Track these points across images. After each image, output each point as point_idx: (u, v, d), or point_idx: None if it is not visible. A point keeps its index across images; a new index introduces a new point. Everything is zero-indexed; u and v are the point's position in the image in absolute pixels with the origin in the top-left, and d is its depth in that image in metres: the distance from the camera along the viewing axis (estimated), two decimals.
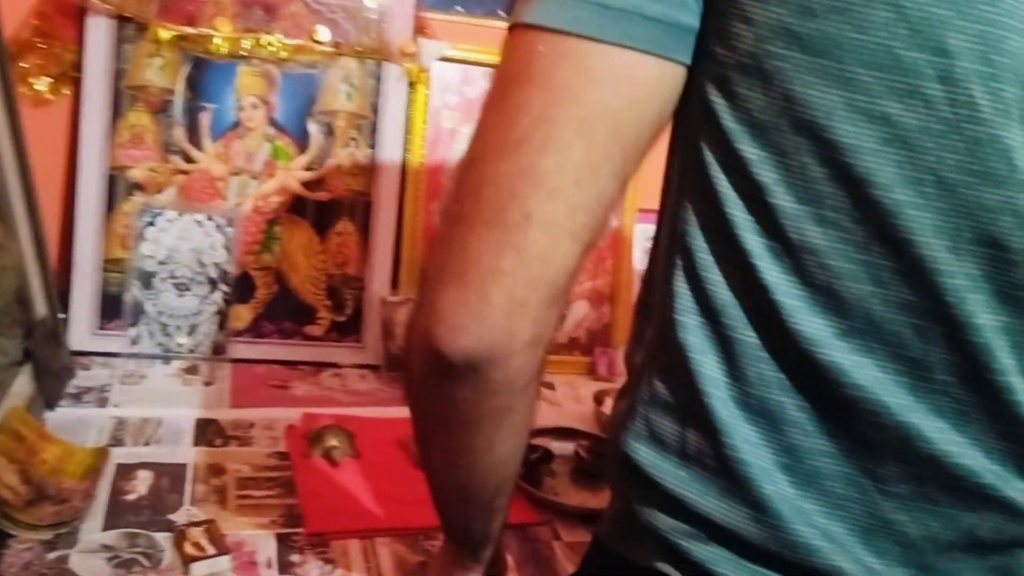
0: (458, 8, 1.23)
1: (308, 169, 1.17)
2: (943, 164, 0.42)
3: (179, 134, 1.13)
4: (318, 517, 0.80)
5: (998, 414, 0.45)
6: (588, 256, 0.46)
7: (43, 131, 1.06)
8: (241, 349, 1.14)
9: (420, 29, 1.20)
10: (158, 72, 1.11)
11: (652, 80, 0.43)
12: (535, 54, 0.42)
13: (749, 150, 0.44)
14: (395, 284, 1.20)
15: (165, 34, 1.09)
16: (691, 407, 0.48)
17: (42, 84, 1.09)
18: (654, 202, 1.18)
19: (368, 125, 1.18)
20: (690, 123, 0.46)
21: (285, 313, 1.17)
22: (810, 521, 0.46)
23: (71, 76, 1.10)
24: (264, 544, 0.77)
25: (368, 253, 1.19)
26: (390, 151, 1.19)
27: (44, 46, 1.08)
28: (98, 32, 1.08)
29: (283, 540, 0.78)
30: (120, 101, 1.10)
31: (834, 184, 0.43)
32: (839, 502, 0.46)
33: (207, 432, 0.96)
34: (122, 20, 1.09)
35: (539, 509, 0.86)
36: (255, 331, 1.16)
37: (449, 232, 0.44)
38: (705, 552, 0.48)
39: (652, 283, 0.51)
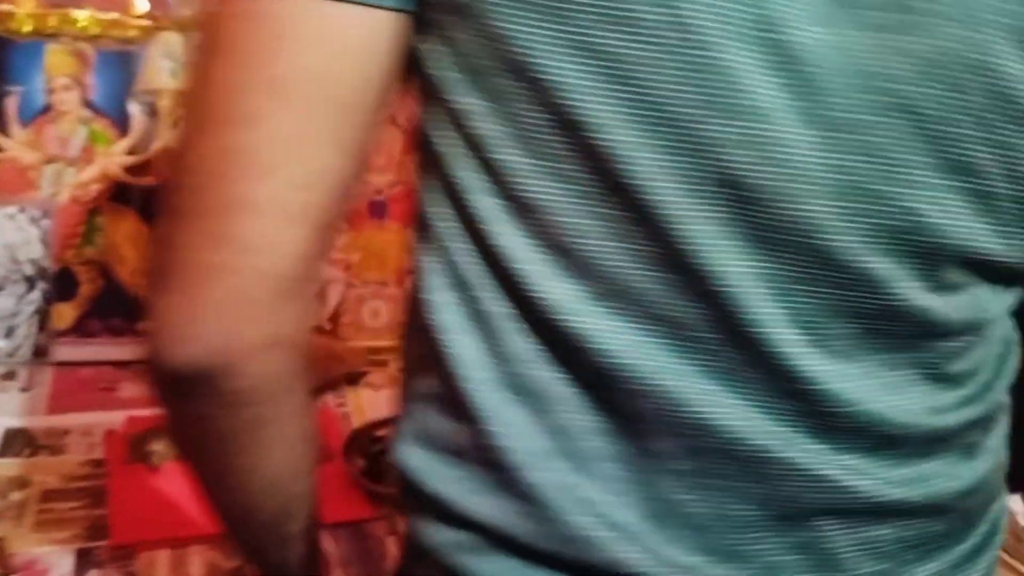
0: None
1: (131, 153, 1.10)
2: (665, 97, 0.36)
3: None
4: (125, 527, 0.75)
5: (770, 370, 0.40)
6: (329, 240, 0.41)
7: None
8: (65, 351, 1.07)
9: None
10: None
11: (355, 31, 0.38)
12: (218, 21, 0.38)
13: (466, 100, 0.39)
14: None
15: None
16: (453, 395, 0.43)
17: None
18: None
19: None
20: (416, 78, 0.42)
21: (114, 309, 1.10)
22: (592, 510, 0.41)
23: None
24: (60, 561, 0.71)
25: None
26: None
27: None
28: None
29: (84, 555, 0.72)
30: None
31: (556, 131, 0.38)
32: (620, 486, 0.41)
33: (15, 443, 0.89)
34: None
35: (380, 503, 0.83)
36: (81, 330, 1.08)
37: (159, 229, 0.40)
38: (485, 565, 0.43)
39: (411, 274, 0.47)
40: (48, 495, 0.81)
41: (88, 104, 1.08)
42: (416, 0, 0.39)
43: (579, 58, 0.36)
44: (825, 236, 0.38)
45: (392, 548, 0.78)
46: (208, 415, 0.43)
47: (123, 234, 1.11)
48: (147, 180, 1.11)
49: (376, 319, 1.24)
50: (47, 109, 1.07)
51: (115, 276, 1.11)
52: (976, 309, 0.43)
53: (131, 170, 1.11)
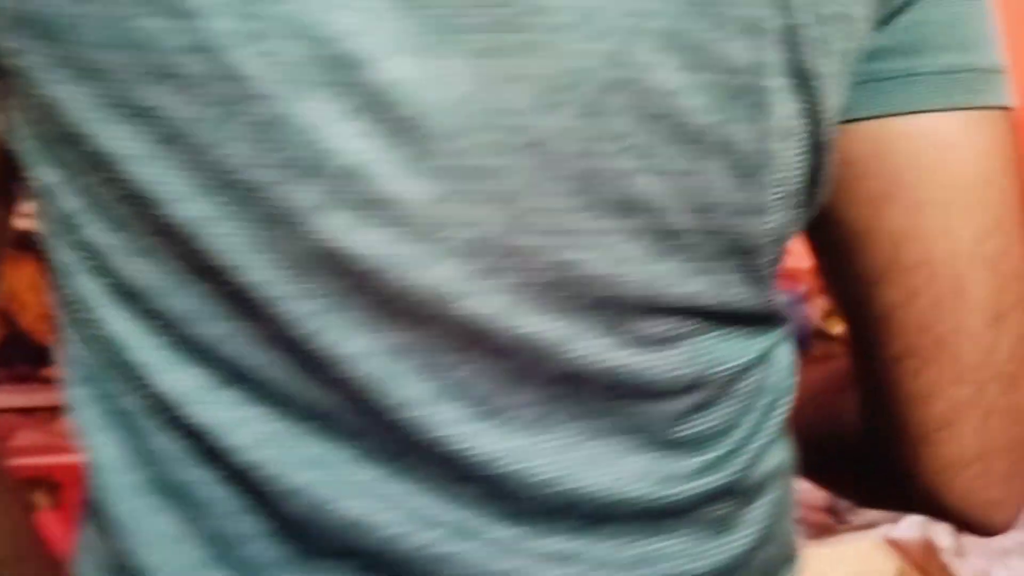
0: None
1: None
2: (234, 162, 0.31)
3: None
4: None
5: (435, 455, 0.34)
6: None
7: None
8: None
9: None
10: None
11: None
12: None
13: (45, 173, 0.34)
14: None
15: None
16: (98, 504, 0.37)
17: None
18: None
19: None
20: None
21: (17, 357, 1.09)
22: None
23: None
24: None
25: None
26: None
27: None
28: None
29: None
30: None
31: (130, 205, 0.33)
32: None
33: None
34: None
35: None
36: None
37: None
38: None
39: None
40: None
41: None
42: None
43: (128, 122, 0.31)
44: (463, 302, 0.32)
45: None
46: None
47: (23, 280, 1.11)
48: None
49: None
50: None
51: (18, 324, 1.11)
52: (705, 363, 0.36)
53: (32, 217, 1.11)
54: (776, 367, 0.40)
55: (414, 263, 0.32)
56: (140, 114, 0.31)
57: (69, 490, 0.89)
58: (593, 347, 0.34)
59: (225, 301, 0.34)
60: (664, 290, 0.34)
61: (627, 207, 0.32)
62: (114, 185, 0.33)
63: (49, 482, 0.89)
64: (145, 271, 0.34)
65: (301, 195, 0.31)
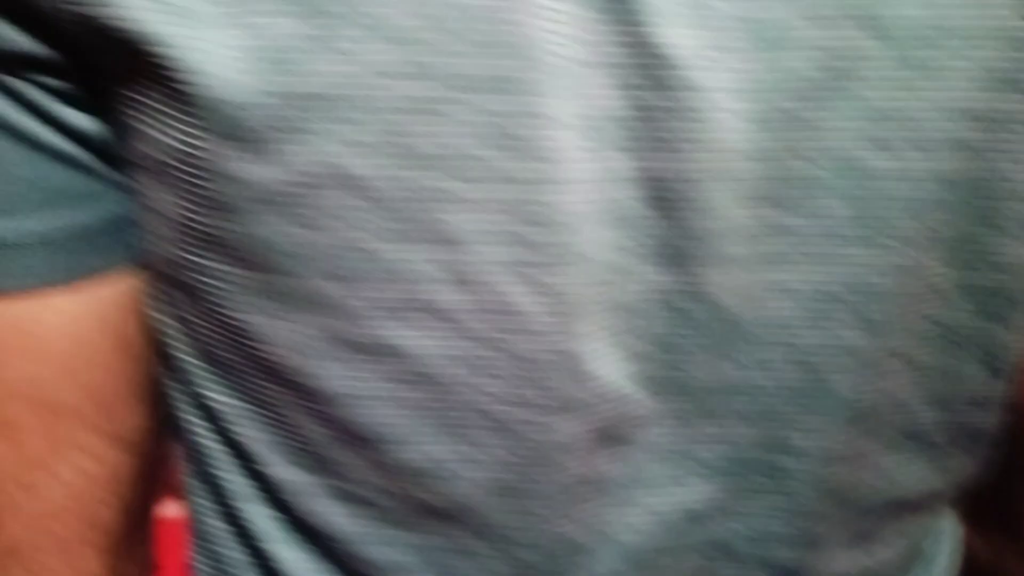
0: None
1: None
2: (488, 398, 0.29)
3: None
4: None
5: None
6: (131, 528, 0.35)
7: None
8: None
9: None
10: None
11: (77, 313, 0.31)
12: None
13: (220, 398, 0.32)
14: None
15: None
16: None
17: None
18: None
19: None
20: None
21: None
22: None
23: None
24: None
25: None
26: None
27: None
28: None
29: None
30: None
31: (342, 447, 0.31)
32: None
33: None
34: None
35: None
36: None
37: None
38: None
39: None
40: None
41: None
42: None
43: (359, 359, 0.30)
44: (721, 522, 0.34)
45: None
46: None
47: None
48: None
49: None
50: None
51: None
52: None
53: None
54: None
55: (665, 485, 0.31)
56: (376, 350, 0.28)
57: None
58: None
59: (444, 553, 0.32)
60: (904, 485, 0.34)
61: (877, 413, 0.32)
62: (327, 425, 0.30)
63: None
64: (342, 517, 0.32)
65: (559, 433, 0.29)
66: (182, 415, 0.33)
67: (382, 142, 0.25)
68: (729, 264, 0.27)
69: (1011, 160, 0.28)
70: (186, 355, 0.31)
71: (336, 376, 0.28)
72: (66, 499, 0.32)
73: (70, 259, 0.30)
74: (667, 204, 0.27)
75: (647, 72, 0.25)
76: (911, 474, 0.34)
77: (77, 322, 0.30)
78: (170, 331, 0.31)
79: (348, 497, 0.31)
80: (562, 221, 0.26)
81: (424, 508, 0.30)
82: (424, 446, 0.29)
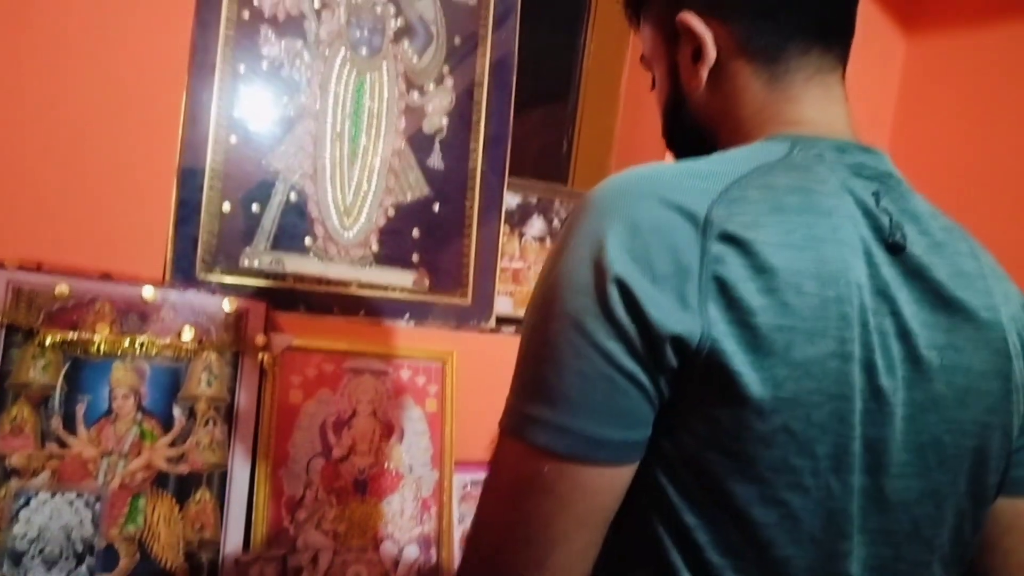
0: (300, 308, 1.57)
1: (172, 446, 1.42)
2: (814, 527, 0.61)
3: (56, 423, 1.36)
4: None
5: None
6: None
7: None
8: None
9: (271, 326, 1.52)
10: (40, 371, 1.35)
11: (625, 479, 0.60)
12: (541, 472, 0.58)
13: (689, 519, 0.60)
14: (247, 543, 1.44)
15: (50, 339, 1.35)
16: None
17: None
18: (468, 455, 1.53)
19: (225, 406, 1.46)
20: (636, 490, 0.61)
21: None
22: None
23: None
24: None
25: (223, 517, 1.43)
26: (244, 427, 1.47)
27: None
28: None
29: None
30: (3, 397, 1.32)
31: (748, 546, 0.60)
32: None
33: None
34: (11, 329, 1.34)
35: None
36: None
37: None
38: None
39: None
40: None
41: (141, 408, 1.42)
42: (657, 447, 0.61)
43: (771, 506, 0.60)
44: None
45: None
46: None
47: (159, 514, 1.41)
48: (182, 468, 1.43)
49: None
50: (108, 412, 1.40)
51: (150, 550, 1.39)
52: None
53: (170, 460, 1.43)
54: None
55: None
56: (777, 503, 0.63)
57: None
58: None
59: None
60: None
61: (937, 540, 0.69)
62: (744, 536, 0.61)
63: None
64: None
65: (840, 546, 0.65)
66: (655, 535, 0.61)
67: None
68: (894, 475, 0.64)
69: (995, 440, 0.66)
70: (673, 495, 0.60)
71: (759, 514, 0.60)
72: (565, 573, 0.58)
73: (630, 455, 0.60)
74: (873, 448, 0.63)
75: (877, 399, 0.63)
76: None
77: (608, 486, 0.60)
78: (668, 488, 0.60)
79: (737, 569, 0.60)
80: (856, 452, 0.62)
81: (770, 569, 0.61)
82: (785, 548, 0.61)
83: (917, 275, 0.64)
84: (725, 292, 0.57)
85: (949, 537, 0.69)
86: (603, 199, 0.61)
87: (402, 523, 1.58)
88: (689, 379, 0.59)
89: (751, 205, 0.60)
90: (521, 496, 0.58)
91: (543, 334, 0.60)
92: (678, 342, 0.57)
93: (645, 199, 0.59)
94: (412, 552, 1.58)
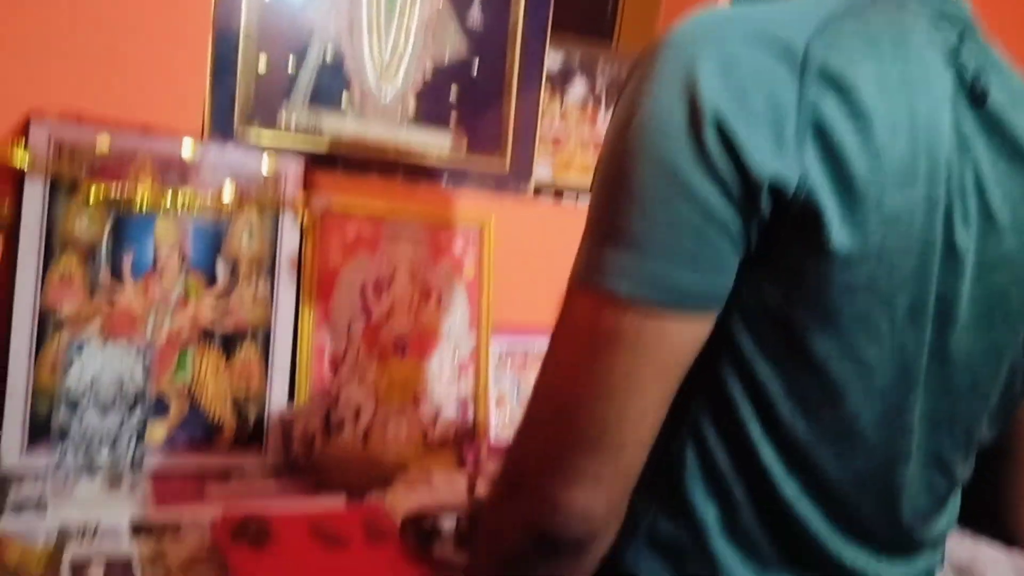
0: (339, 167, 1.56)
1: (216, 302, 1.45)
2: (886, 381, 0.61)
3: (104, 276, 1.38)
4: None
5: (912, 536, 0.70)
6: None
7: None
8: (157, 461, 1.37)
9: (309, 184, 1.52)
10: (86, 225, 1.37)
11: (706, 330, 0.59)
12: (622, 323, 0.56)
13: (764, 372, 0.60)
14: (291, 397, 1.48)
15: (94, 192, 1.36)
16: (692, 544, 0.64)
17: None
18: (504, 321, 1.55)
19: (267, 264, 1.48)
20: (712, 341, 0.60)
21: (196, 428, 1.42)
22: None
23: (4, 227, 1.34)
24: None
25: (268, 372, 1.46)
26: (286, 285, 1.49)
27: None
28: (34, 190, 1.33)
29: None
30: (52, 249, 1.34)
31: (821, 400, 0.60)
32: None
33: (142, 529, 1.19)
34: (55, 181, 1.34)
35: (433, 568, 1.15)
36: (169, 445, 1.40)
37: (555, 449, 0.58)
38: None
39: (654, 451, 0.61)
40: (184, 566, 1.11)
41: (185, 263, 1.43)
42: (737, 300, 0.59)
43: (849, 362, 0.61)
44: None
45: None
46: (564, 570, 0.61)
47: (206, 367, 1.45)
48: (227, 324, 1.46)
49: (398, 435, 1.58)
50: (154, 267, 1.42)
51: (198, 401, 1.44)
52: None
53: (216, 315, 1.46)
54: None
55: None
56: (856, 359, 0.62)
57: (276, 527, 1.20)
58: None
59: (843, 447, 0.63)
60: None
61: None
62: (822, 390, 0.61)
63: (259, 521, 1.20)
64: (803, 429, 0.62)
65: (911, 397, 0.66)
66: (725, 388, 0.61)
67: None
68: (960, 331, 0.64)
69: None
70: (749, 349, 0.60)
71: (837, 369, 0.60)
72: (643, 423, 0.58)
73: (714, 306, 0.58)
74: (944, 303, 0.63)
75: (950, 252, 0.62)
76: (969, 466, 0.71)
77: (690, 337, 0.58)
78: (743, 341, 0.60)
79: (808, 419, 0.61)
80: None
81: (843, 420, 0.62)
82: (857, 401, 0.62)
83: (996, 129, 0.63)
84: (822, 136, 0.55)
85: (1001, 393, 0.71)
86: (689, 36, 0.57)
87: (440, 384, 1.61)
88: (779, 228, 0.57)
89: (847, 42, 0.57)
90: (599, 348, 0.56)
91: (627, 180, 0.56)
92: (774, 188, 0.56)
93: (737, 34, 0.56)
94: (450, 412, 1.62)
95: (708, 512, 0.64)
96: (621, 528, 0.63)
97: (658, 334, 0.56)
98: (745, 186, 0.55)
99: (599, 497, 0.57)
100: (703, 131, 0.54)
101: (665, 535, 0.66)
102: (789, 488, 0.63)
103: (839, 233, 0.56)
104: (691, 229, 0.56)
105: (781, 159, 0.55)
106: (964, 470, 0.73)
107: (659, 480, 0.65)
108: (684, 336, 0.58)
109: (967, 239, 0.62)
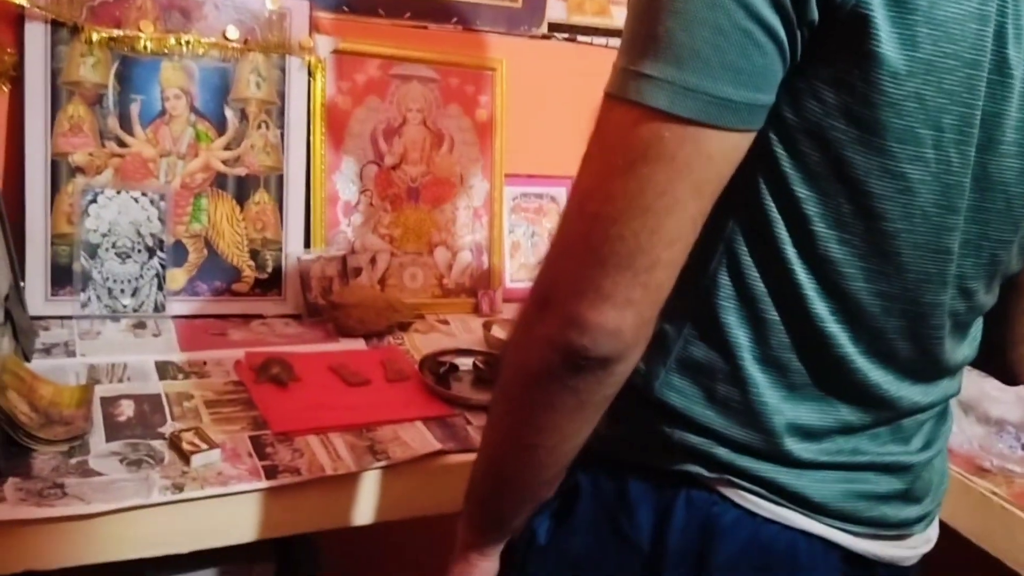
0: (344, 8, 1.51)
1: (227, 149, 1.44)
2: (927, 201, 0.60)
3: (113, 123, 1.37)
4: (280, 421, 1.10)
5: (935, 362, 0.70)
6: None
7: None
8: (178, 307, 1.41)
9: (315, 27, 1.48)
10: (91, 69, 1.34)
11: (745, 147, 0.57)
12: (660, 137, 0.54)
13: (801, 190, 0.60)
14: (307, 244, 1.49)
15: (96, 36, 1.33)
16: (723, 366, 0.65)
17: None
18: (517, 168, 1.54)
19: (276, 110, 1.46)
20: (748, 160, 0.58)
21: (215, 274, 1.44)
22: (789, 420, 0.67)
23: (10, 76, 1.31)
24: (241, 443, 1.05)
25: (283, 219, 1.47)
26: (296, 131, 1.47)
27: None
28: (35, 36, 1.30)
29: (255, 440, 1.06)
30: (58, 96, 1.32)
31: (858, 218, 0.60)
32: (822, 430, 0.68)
33: (168, 370, 1.23)
34: (56, 25, 1.31)
35: (452, 406, 1.19)
36: (190, 290, 1.42)
37: (585, 268, 0.57)
38: (725, 454, 0.67)
39: (687, 275, 0.60)
40: (210, 403, 1.15)
41: (194, 109, 1.41)
42: (777, 116, 0.58)
43: (889, 179, 0.59)
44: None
45: (471, 433, 1.14)
46: (590, 387, 0.60)
47: (221, 214, 1.45)
48: (240, 171, 1.45)
49: (414, 281, 1.60)
50: (162, 113, 1.40)
51: (216, 247, 1.45)
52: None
53: (227, 162, 1.45)
54: None
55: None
56: (897, 175, 0.60)
57: (298, 368, 1.24)
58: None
59: (876, 271, 0.63)
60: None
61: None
62: (857, 207, 0.60)
63: (282, 362, 1.24)
64: (837, 251, 0.62)
65: (950, 221, 0.64)
66: (762, 205, 0.60)
67: None
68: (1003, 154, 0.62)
69: None
70: (787, 167, 0.59)
71: (876, 187, 0.59)
72: (676, 242, 0.57)
73: (755, 121, 0.56)
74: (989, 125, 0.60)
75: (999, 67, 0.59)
76: (992, 296, 0.71)
77: (728, 154, 0.56)
78: (782, 158, 0.59)
79: (842, 241, 0.61)
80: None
81: (878, 242, 0.62)
82: (897, 222, 0.61)
83: None
84: None
85: None
86: None
87: (455, 230, 1.62)
88: (826, 38, 0.55)
89: None
90: (636, 163, 0.55)
91: None
92: None
93: None
94: (465, 257, 1.63)
95: (740, 334, 0.65)
96: (650, 355, 0.64)
97: (696, 150, 0.55)
98: None
99: (628, 316, 0.57)
100: None
101: (696, 358, 0.66)
102: (820, 308, 0.63)
103: (888, 43, 0.54)
104: (735, 39, 0.53)
105: None
106: (987, 299, 0.72)
107: (691, 303, 0.65)
108: (723, 152, 0.56)
109: (1018, 59, 0.59)
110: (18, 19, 1.30)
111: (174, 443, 1.02)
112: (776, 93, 0.57)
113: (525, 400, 0.64)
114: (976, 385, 1.19)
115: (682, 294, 0.61)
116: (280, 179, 1.47)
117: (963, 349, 0.74)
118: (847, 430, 0.69)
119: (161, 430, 1.06)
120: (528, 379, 0.63)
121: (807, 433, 0.68)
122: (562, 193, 1.74)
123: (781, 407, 0.66)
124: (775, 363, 0.66)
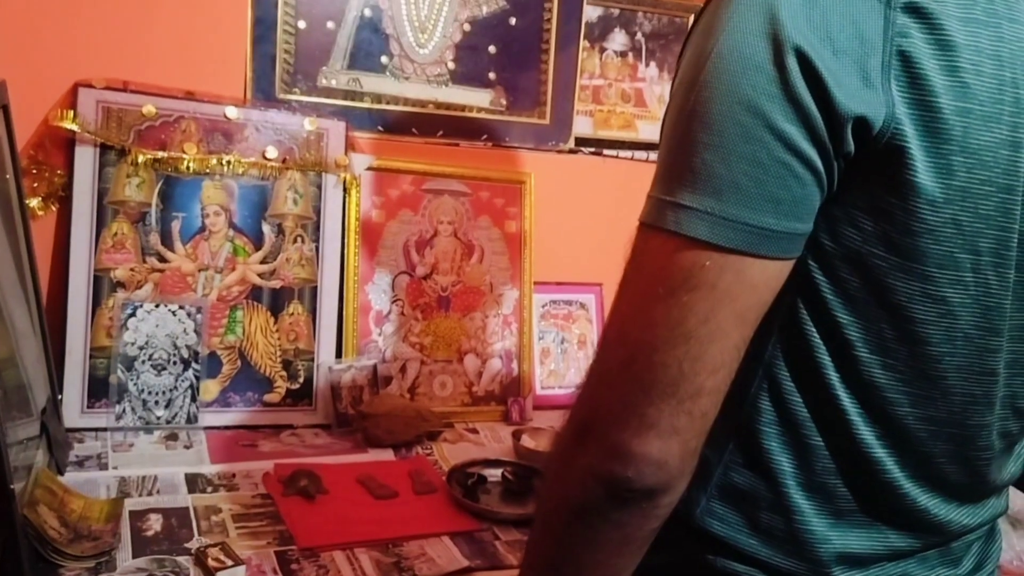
0: (379, 128, 1.56)
1: (263, 262, 1.47)
2: (968, 324, 0.59)
3: (155, 239, 1.41)
4: (306, 535, 1.09)
5: (983, 482, 0.68)
6: None
7: (34, 242, 1.31)
8: (211, 417, 1.41)
9: (351, 145, 1.53)
10: (136, 189, 1.39)
11: (785, 274, 0.57)
12: (701, 266, 0.54)
13: (842, 316, 0.59)
14: (339, 354, 1.50)
15: (142, 158, 1.38)
16: (766, 493, 0.63)
17: (34, 202, 1.35)
18: (546, 276, 1.54)
19: (312, 224, 1.49)
20: (788, 285, 0.58)
21: (247, 384, 1.45)
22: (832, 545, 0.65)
23: (59, 195, 1.37)
24: (267, 558, 1.04)
25: (316, 330, 1.48)
26: (331, 244, 1.50)
27: (36, 171, 1.35)
28: (85, 158, 1.36)
29: (280, 555, 1.05)
30: (104, 214, 1.37)
31: (901, 343, 0.59)
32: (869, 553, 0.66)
33: (197, 483, 1.22)
34: (104, 148, 1.37)
35: (480, 520, 1.17)
36: (222, 401, 1.43)
37: (628, 396, 0.56)
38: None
39: (727, 399, 0.59)
40: (237, 517, 1.14)
41: (232, 225, 1.45)
42: (815, 243, 0.57)
43: (931, 304, 0.58)
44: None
45: (500, 548, 1.11)
46: (634, 521, 0.59)
47: (256, 325, 1.47)
48: (275, 283, 1.48)
49: (444, 389, 1.59)
50: (202, 229, 1.44)
51: (249, 358, 1.46)
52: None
53: (263, 276, 1.48)
54: None
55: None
56: (938, 300, 0.59)
57: (327, 479, 1.23)
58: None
59: (921, 395, 0.61)
60: None
61: None
62: (900, 333, 0.59)
63: (311, 474, 1.23)
64: (881, 376, 0.60)
65: (991, 343, 0.62)
66: (804, 332, 0.59)
67: None
68: None
69: None
70: (828, 292, 0.58)
71: (919, 312, 0.57)
72: (720, 369, 0.55)
73: (795, 249, 0.56)
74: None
75: None
76: None
77: (769, 281, 0.56)
78: (822, 285, 0.58)
79: (886, 366, 0.59)
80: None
81: (922, 367, 0.60)
82: (940, 346, 0.59)
83: None
84: (909, 69, 0.53)
85: None
86: None
87: (484, 338, 1.62)
88: (863, 167, 0.55)
89: None
90: (677, 291, 0.54)
91: (705, 118, 0.54)
92: (860, 124, 0.53)
93: None
94: (495, 364, 1.63)
95: (783, 461, 0.63)
96: (691, 481, 0.61)
97: (737, 278, 0.54)
98: (830, 123, 0.53)
99: (674, 445, 0.55)
100: (786, 66, 0.52)
101: (738, 485, 0.64)
102: (866, 433, 0.62)
103: (924, 172, 0.55)
104: (774, 172, 0.53)
105: (867, 94, 0.53)
106: None
107: (732, 429, 0.63)
108: (764, 280, 0.56)
109: None
110: (68, 143, 1.36)
111: (200, 559, 1.01)
112: (814, 221, 0.57)
113: (566, 535, 0.61)
114: (1022, 498, 1.14)
115: (722, 419, 0.59)
116: (314, 291, 1.49)
117: (1010, 467, 0.73)
118: (896, 556, 0.67)
119: (188, 545, 1.05)
120: (569, 513, 0.60)
121: (856, 561, 0.65)
122: (591, 300, 1.74)
123: (828, 535, 0.64)
124: (820, 489, 0.63)
